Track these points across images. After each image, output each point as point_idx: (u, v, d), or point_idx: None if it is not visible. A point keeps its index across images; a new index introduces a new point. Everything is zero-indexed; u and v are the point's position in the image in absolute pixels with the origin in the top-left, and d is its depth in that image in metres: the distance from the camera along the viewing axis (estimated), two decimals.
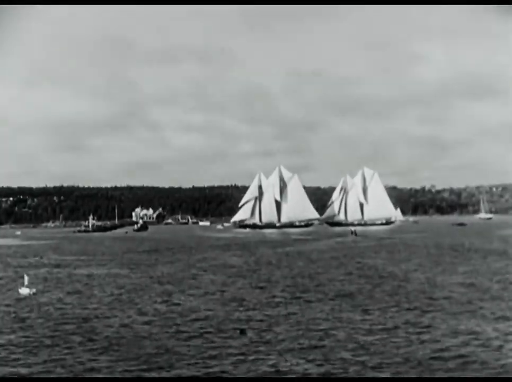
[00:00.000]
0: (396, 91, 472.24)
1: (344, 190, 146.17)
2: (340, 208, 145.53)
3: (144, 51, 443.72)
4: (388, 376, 10.02)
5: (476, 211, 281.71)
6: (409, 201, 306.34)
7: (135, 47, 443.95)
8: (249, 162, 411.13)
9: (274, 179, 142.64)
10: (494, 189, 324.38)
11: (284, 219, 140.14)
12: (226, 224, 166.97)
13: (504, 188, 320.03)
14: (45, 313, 19.93)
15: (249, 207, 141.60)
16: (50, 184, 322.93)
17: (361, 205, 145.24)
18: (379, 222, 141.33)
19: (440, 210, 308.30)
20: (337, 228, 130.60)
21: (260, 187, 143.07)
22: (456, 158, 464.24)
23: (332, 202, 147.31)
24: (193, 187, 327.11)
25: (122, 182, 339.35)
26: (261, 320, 18.06)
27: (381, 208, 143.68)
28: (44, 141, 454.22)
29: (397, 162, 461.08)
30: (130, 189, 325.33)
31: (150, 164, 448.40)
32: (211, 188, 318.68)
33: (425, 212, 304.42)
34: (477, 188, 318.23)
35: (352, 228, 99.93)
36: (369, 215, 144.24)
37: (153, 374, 12.29)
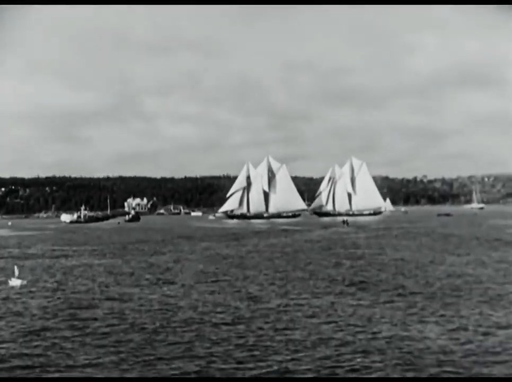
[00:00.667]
0: (389, 81, 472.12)
1: (332, 180, 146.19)
2: (328, 199, 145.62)
3: (138, 42, 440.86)
4: (388, 376, 9.93)
5: (468, 201, 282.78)
6: (401, 191, 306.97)
7: (128, 38, 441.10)
8: (241, 152, 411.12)
9: (262, 169, 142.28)
10: (486, 179, 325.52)
11: (272, 209, 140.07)
12: (217, 214, 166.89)
13: (496, 178, 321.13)
14: (37, 304, 19.69)
15: (237, 197, 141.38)
16: (42, 175, 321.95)
17: (349, 195, 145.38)
18: (367, 212, 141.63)
19: (432, 201, 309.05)
20: (326, 219, 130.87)
21: (248, 177, 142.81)
22: (448, 148, 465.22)
23: (320, 193, 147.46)
24: (185, 177, 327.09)
25: (114, 173, 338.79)
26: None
27: (369, 198, 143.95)
28: (36, 131, 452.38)
29: (390, 152, 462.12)
30: (122, 179, 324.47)
31: (143, 154, 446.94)
32: (203, 178, 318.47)
33: (417, 202, 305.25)
34: (469, 178, 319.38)
35: (344, 218, 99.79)
36: (357, 205, 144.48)
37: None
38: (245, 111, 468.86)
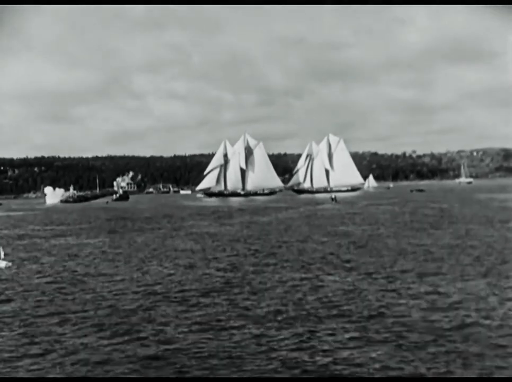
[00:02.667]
0: (379, 55, 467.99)
1: (310, 157, 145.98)
2: (305, 176, 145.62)
3: (127, 19, 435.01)
4: (388, 376, 9.98)
5: (457, 176, 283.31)
6: (390, 167, 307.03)
7: (117, 15, 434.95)
8: (232, 129, 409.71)
9: (239, 147, 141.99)
10: (475, 154, 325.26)
11: (249, 187, 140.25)
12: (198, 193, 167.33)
13: (485, 152, 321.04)
14: (24, 284, 19.30)
15: (215, 175, 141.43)
16: (31, 155, 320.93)
17: (327, 172, 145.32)
18: (345, 189, 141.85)
19: (421, 176, 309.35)
20: (303, 196, 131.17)
21: (226, 155, 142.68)
22: (438, 123, 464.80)
23: (298, 170, 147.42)
24: (175, 155, 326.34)
25: (103, 152, 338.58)
26: None
27: (347, 174, 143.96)
28: (25, 111, 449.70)
29: (379, 127, 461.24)
30: (111, 158, 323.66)
31: (132, 133, 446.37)
32: (193, 157, 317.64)
33: (406, 177, 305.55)
34: (458, 152, 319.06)
35: (332, 195, 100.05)
36: (334, 181, 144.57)
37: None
38: (235, 88, 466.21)
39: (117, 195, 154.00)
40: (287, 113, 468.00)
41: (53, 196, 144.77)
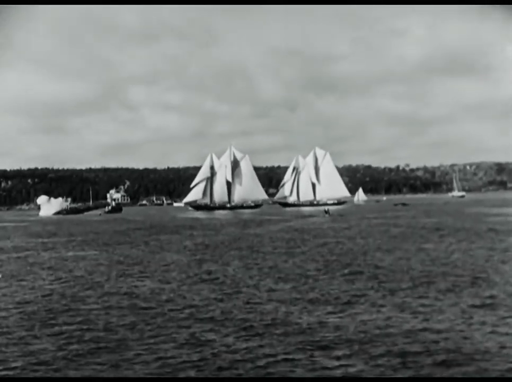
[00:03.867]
0: (375, 68, 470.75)
1: (296, 171, 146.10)
2: (292, 189, 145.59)
3: (122, 30, 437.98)
4: (388, 376, 9.81)
5: (450, 189, 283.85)
6: (383, 180, 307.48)
7: (113, 26, 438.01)
8: (226, 141, 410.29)
9: (225, 160, 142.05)
10: (468, 167, 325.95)
11: (235, 200, 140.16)
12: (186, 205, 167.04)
13: (478, 166, 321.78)
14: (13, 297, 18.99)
15: (201, 187, 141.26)
16: (25, 167, 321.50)
17: (313, 185, 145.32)
18: (331, 202, 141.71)
19: (414, 189, 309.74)
20: (289, 209, 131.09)
21: (212, 168, 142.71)
22: (432, 137, 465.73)
23: (284, 183, 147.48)
24: (168, 168, 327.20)
25: (97, 164, 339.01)
26: None
27: (333, 188, 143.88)
28: (19, 122, 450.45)
29: (373, 140, 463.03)
30: (104, 170, 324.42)
31: (127, 145, 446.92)
32: (186, 169, 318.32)
33: (399, 191, 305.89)
34: (451, 166, 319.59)
35: (325, 208, 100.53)
36: (321, 195, 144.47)
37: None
38: (231, 100, 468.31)
39: (110, 207, 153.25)
40: (282, 125, 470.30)
41: (48, 206, 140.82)
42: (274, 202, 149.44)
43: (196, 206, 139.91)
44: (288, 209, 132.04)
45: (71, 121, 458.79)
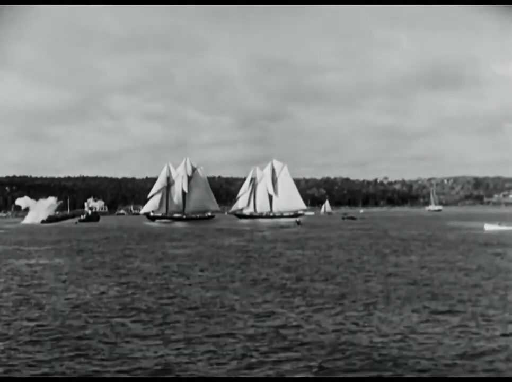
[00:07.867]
0: (359, 80, 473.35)
1: (254, 182, 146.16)
2: (249, 200, 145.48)
3: (105, 38, 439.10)
4: (388, 376, 9.68)
5: (427, 203, 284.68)
6: (361, 193, 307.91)
7: (96, 34, 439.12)
8: (208, 152, 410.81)
9: (181, 170, 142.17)
10: (445, 181, 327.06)
11: (190, 210, 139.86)
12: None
13: (456, 180, 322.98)
14: None
15: (158, 198, 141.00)
16: (2, 174, 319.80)
17: (270, 197, 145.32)
18: (287, 214, 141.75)
19: (391, 202, 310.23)
20: (244, 221, 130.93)
21: (169, 178, 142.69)
22: (412, 150, 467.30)
23: (241, 195, 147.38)
24: (147, 177, 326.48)
25: (77, 172, 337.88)
26: None
27: (289, 200, 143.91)
28: None
29: (353, 153, 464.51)
30: (83, 179, 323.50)
31: (107, 154, 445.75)
32: None
33: (376, 204, 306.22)
34: (429, 180, 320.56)
35: (297, 219, 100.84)
36: (277, 206, 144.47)
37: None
38: (213, 110, 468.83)
39: (84, 216, 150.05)
40: (264, 136, 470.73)
41: (35, 211, 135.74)
42: (230, 213, 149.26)
43: (152, 216, 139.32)
44: (243, 221, 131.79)
45: (52, 129, 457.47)
